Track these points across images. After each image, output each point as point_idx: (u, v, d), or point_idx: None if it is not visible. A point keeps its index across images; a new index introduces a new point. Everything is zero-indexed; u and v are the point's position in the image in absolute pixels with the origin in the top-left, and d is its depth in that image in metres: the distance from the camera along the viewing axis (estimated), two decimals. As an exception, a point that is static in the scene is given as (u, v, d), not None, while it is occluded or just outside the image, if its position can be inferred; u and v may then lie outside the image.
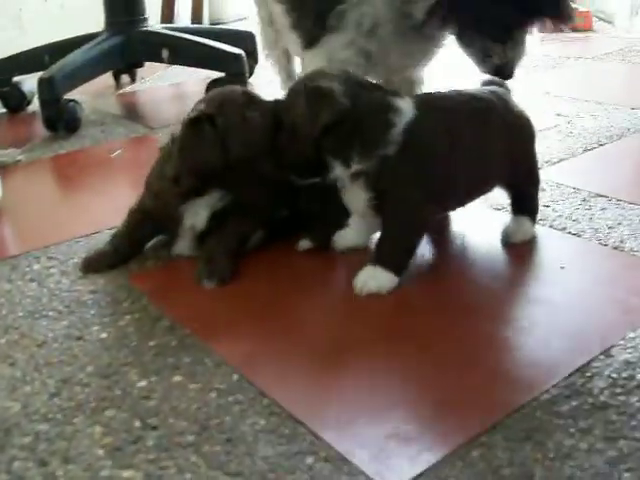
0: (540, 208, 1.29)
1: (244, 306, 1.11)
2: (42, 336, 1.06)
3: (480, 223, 1.31)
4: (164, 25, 2.62)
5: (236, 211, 1.20)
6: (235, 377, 0.94)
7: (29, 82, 2.29)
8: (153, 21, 2.44)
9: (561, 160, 1.60)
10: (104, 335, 1.06)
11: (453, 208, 1.24)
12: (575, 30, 2.83)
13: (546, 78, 2.30)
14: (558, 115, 1.91)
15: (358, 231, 1.23)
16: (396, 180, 1.10)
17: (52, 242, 1.35)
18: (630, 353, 0.94)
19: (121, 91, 2.58)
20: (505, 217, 1.28)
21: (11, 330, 1.08)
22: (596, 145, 1.68)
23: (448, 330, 1.02)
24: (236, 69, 2.11)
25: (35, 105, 2.16)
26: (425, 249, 1.23)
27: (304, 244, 1.24)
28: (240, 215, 1.20)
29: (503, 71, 1.32)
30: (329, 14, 1.35)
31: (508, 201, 1.27)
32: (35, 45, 2.39)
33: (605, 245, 1.21)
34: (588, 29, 2.96)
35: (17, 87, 2.34)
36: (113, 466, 0.81)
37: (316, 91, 1.11)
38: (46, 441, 0.85)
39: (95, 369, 0.98)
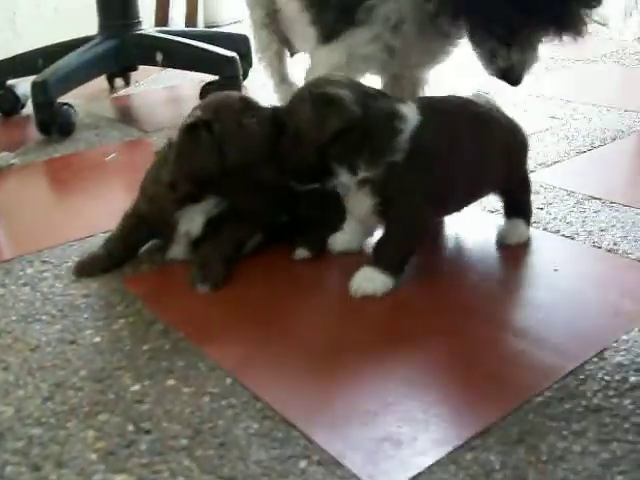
0: (534, 211, 1.29)
1: (238, 310, 1.11)
2: (35, 340, 1.06)
3: (474, 226, 1.31)
4: (158, 28, 2.61)
5: (232, 217, 1.20)
6: (228, 381, 0.94)
7: (23, 85, 2.29)
8: (147, 24, 2.43)
9: (555, 162, 1.60)
10: (97, 339, 1.05)
11: (451, 212, 1.25)
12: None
13: (540, 80, 2.31)
14: (552, 117, 1.91)
15: (353, 235, 1.23)
16: (403, 186, 1.10)
17: (46, 246, 1.35)
18: (623, 356, 0.94)
19: (115, 94, 2.57)
20: (499, 220, 1.28)
21: (4, 334, 1.08)
22: (590, 147, 1.68)
23: (442, 333, 1.02)
24: (230, 72, 2.10)
25: (29, 108, 2.15)
26: (421, 252, 1.22)
27: (301, 253, 1.23)
28: (236, 221, 1.20)
29: (509, 76, 1.30)
30: (357, 8, 1.34)
31: (501, 204, 1.27)
32: (29, 48, 2.39)
33: (599, 247, 1.22)
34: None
35: (11, 90, 2.33)
36: (106, 470, 0.81)
37: (325, 97, 1.10)
38: (39, 445, 0.85)
39: (88, 373, 0.98)
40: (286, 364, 0.97)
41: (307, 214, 1.26)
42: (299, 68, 1.83)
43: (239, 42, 2.43)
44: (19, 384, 0.96)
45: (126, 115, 2.35)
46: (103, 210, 1.50)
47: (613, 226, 1.28)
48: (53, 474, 0.81)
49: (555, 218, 1.33)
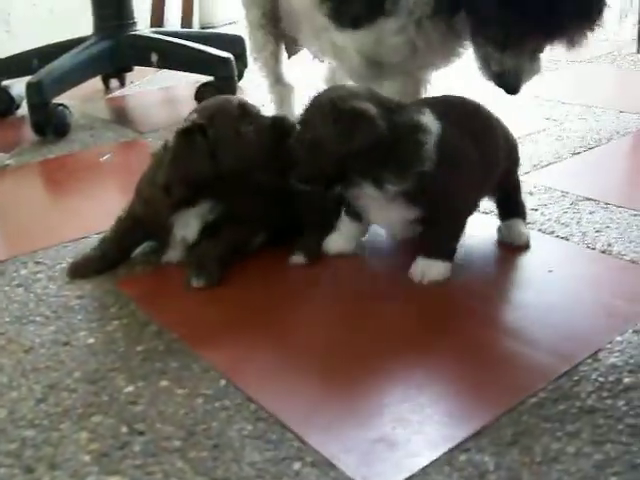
0: (529, 212, 1.29)
1: (232, 312, 1.11)
2: (29, 341, 1.06)
3: (467, 227, 1.31)
4: (153, 29, 2.61)
5: (229, 222, 1.20)
6: (222, 382, 0.94)
7: (18, 86, 2.29)
8: (142, 25, 2.43)
9: (550, 164, 1.60)
10: (91, 340, 1.05)
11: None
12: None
13: (535, 81, 2.30)
14: (547, 119, 1.91)
15: (348, 236, 1.23)
16: (442, 192, 1.11)
17: (40, 247, 1.35)
18: (617, 357, 0.94)
19: (110, 95, 2.57)
20: (492, 221, 1.28)
21: (-2, 336, 1.08)
22: (585, 149, 1.68)
23: (437, 334, 1.02)
24: (225, 73, 2.10)
25: (24, 109, 2.15)
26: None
27: (296, 259, 1.23)
28: (234, 224, 1.20)
29: (504, 82, 1.29)
30: None
31: (496, 206, 1.27)
32: (24, 49, 2.39)
33: (593, 249, 1.22)
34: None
35: (6, 91, 2.33)
36: (100, 472, 0.81)
37: (354, 112, 1.08)
38: (32, 447, 0.85)
39: (82, 375, 0.98)
40: (280, 366, 0.97)
41: (304, 218, 1.25)
42: (295, 69, 1.84)
43: (234, 43, 2.43)
44: (12, 386, 0.96)
45: (121, 116, 2.35)
46: (98, 211, 1.50)
47: (607, 227, 1.28)
48: (46, 476, 0.81)
49: (550, 219, 1.33)
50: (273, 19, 1.77)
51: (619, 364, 0.92)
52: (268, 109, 1.76)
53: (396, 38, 1.36)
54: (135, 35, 2.31)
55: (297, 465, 0.79)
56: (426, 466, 0.78)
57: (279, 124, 1.19)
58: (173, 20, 3.47)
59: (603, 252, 1.20)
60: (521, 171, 1.32)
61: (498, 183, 1.22)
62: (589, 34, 1.24)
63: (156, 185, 1.19)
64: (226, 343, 1.03)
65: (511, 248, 1.23)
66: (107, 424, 0.88)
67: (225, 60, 2.12)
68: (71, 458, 0.83)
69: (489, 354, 0.97)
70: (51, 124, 2.03)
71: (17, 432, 0.88)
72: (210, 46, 2.19)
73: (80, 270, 1.23)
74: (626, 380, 0.89)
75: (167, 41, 2.27)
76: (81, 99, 2.42)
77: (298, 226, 1.25)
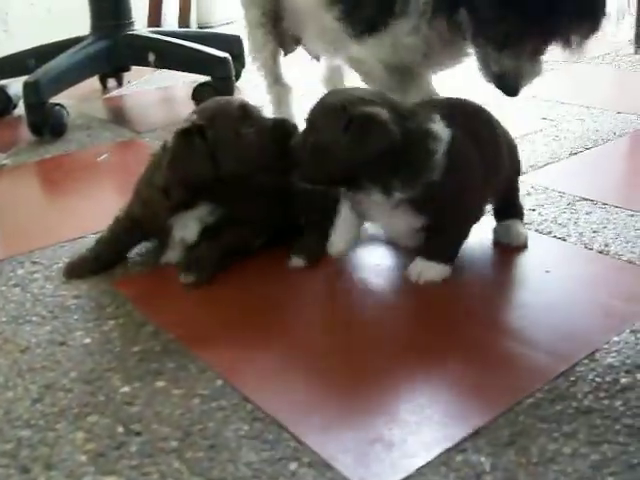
0: (526, 212, 1.29)
1: (229, 312, 1.11)
2: (25, 341, 1.06)
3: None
4: (151, 29, 2.61)
5: (228, 225, 1.19)
6: (219, 383, 0.94)
7: (15, 86, 2.28)
8: (140, 25, 2.43)
9: (547, 164, 1.60)
10: (88, 340, 1.05)
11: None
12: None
13: (533, 82, 2.30)
14: (544, 119, 1.91)
15: (347, 237, 1.20)
16: (451, 197, 1.10)
17: (36, 247, 1.34)
18: (614, 357, 0.94)
19: (107, 95, 2.57)
20: (488, 222, 1.28)
21: (-6, 335, 1.08)
22: (582, 149, 1.68)
23: (434, 334, 1.02)
24: (222, 73, 2.10)
25: (21, 109, 2.15)
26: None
27: (296, 262, 1.22)
28: (234, 227, 1.20)
29: (505, 84, 1.27)
30: None
31: (494, 207, 1.27)
32: (22, 49, 2.38)
33: (590, 249, 1.21)
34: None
35: (3, 91, 2.33)
36: (96, 472, 0.81)
37: (366, 118, 1.06)
38: (28, 447, 0.85)
39: (78, 375, 0.97)
40: (277, 366, 0.97)
41: (304, 219, 1.25)
42: (293, 69, 1.84)
43: (232, 43, 2.43)
44: (8, 386, 0.96)
45: (118, 116, 2.35)
46: (95, 211, 1.50)
47: (605, 227, 1.28)
48: (42, 476, 0.80)
49: (547, 219, 1.33)
50: (273, 19, 1.77)
51: (616, 364, 0.92)
52: (266, 109, 1.76)
53: (410, 39, 1.35)
54: (132, 35, 2.31)
55: (294, 465, 0.79)
56: (422, 466, 0.78)
57: (280, 126, 1.18)
58: (171, 20, 3.47)
59: (600, 252, 1.20)
60: (518, 171, 1.32)
61: (500, 189, 1.21)
62: (590, 35, 1.23)
63: (155, 187, 1.19)
64: (223, 343, 1.03)
65: (508, 248, 1.23)
66: (103, 424, 0.88)
67: (222, 60, 2.11)
68: (67, 458, 0.83)
69: (486, 354, 0.96)
70: (48, 124, 2.03)
71: (13, 432, 0.87)
72: (208, 46, 2.18)
73: (76, 270, 1.23)
74: (623, 380, 0.89)
75: (164, 41, 2.27)
76: (78, 99, 2.42)
77: (298, 226, 1.25)
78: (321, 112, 1.12)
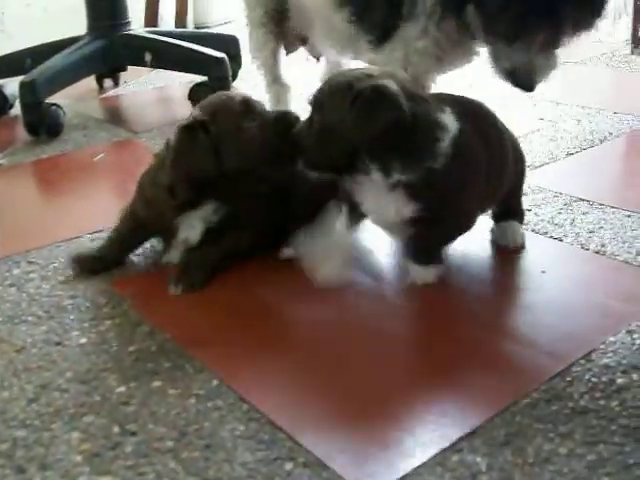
0: (522, 212, 1.29)
1: (225, 312, 1.11)
2: (21, 341, 1.05)
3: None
4: (147, 29, 2.61)
5: (231, 225, 1.19)
6: (215, 383, 0.94)
7: (11, 85, 2.28)
8: (136, 25, 2.43)
9: (543, 164, 1.60)
10: (84, 340, 1.05)
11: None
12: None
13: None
14: (541, 119, 1.91)
15: (338, 262, 1.17)
16: (447, 193, 1.07)
17: (33, 247, 1.34)
18: (610, 357, 0.94)
19: (104, 95, 2.57)
20: (486, 222, 1.28)
21: (-10, 335, 1.08)
22: (579, 149, 1.68)
23: (430, 334, 1.02)
24: (219, 73, 2.10)
25: (17, 109, 2.14)
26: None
27: (287, 252, 1.23)
28: (236, 229, 1.19)
29: (518, 80, 1.26)
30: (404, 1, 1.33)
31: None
32: (18, 49, 2.38)
33: (587, 249, 1.21)
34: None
35: (-1, 90, 2.33)
36: (91, 472, 0.80)
37: (374, 90, 1.02)
38: (24, 447, 0.85)
39: (74, 375, 0.97)
40: (272, 366, 0.97)
41: (298, 215, 1.25)
42: (292, 69, 1.84)
43: (229, 43, 2.43)
44: (4, 385, 0.96)
45: (115, 116, 2.34)
46: (91, 211, 1.50)
47: (601, 228, 1.28)
48: (37, 476, 0.80)
49: (543, 220, 1.33)
50: (275, 18, 1.77)
51: (612, 365, 0.92)
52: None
53: (421, 42, 1.35)
54: (129, 35, 2.31)
55: (289, 465, 0.79)
56: (418, 466, 0.78)
57: (282, 118, 1.17)
58: (167, 20, 3.46)
59: (597, 253, 1.20)
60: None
61: (502, 194, 1.21)
62: (595, 24, 1.22)
63: (159, 186, 1.19)
64: (219, 344, 1.03)
65: (505, 249, 1.23)
66: (99, 424, 0.88)
67: (219, 60, 2.11)
68: (62, 458, 0.83)
69: (482, 354, 0.96)
70: (44, 124, 2.03)
71: (8, 432, 0.87)
72: (204, 46, 2.18)
73: (83, 268, 1.23)
74: (619, 381, 0.89)
75: (161, 41, 2.27)
76: (74, 99, 2.42)
77: (290, 222, 1.24)
78: (327, 92, 1.09)
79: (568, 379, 0.90)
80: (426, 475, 0.77)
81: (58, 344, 1.04)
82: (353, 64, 1.68)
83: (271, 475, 0.78)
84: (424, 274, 1.13)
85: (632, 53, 2.61)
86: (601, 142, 1.72)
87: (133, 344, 1.03)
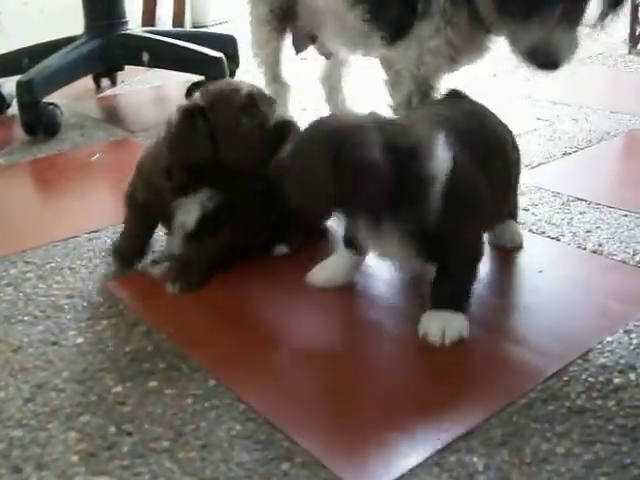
0: (519, 212, 1.29)
1: (221, 312, 1.11)
2: (17, 341, 1.05)
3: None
4: (144, 28, 2.60)
5: (227, 213, 1.18)
6: (211, 382, 0.93)
7: (8, 85, 2.28)
8: (134, 24, 2.43)
9: (541, 164, 1.60)
10: (80, 340, 1.05)
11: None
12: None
13: (527, 81, 2.31)
14: (538, 119, 1.91)
15: (335, 269, 1.15)
16: (450, 230, 0.99)
17: (29, 246, 1.34)
18: (607, 357, 0.94)
19: (101, 94, 2.56)
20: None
21: (-14, 335, 1.07)
22: (576, 149, 1.68)
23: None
24: (216, 72, 2.10)
25: (14, 108, 2.14)
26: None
27: (280, 249, 1.23)
28: (232, 220, 1.19)
29: (540, 59, 1.19)
30: None
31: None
32: (14, 48, 2.38)
33: (584, 249, 1.21)
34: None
35: (-4, 90, 2.32)
36: (87, 472, 0.80)
37: (359, 165, 0.93)
38: (20, 447, 0.85)
39: (70, 374, 0.97)
40: (269, 366, 0.97)
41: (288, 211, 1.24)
42: (291, 67, 1.83)
43: (226, 42, 2.42)
44: (0, 385, 0.96)
45: (112, 115, 2.34)
46: (88, 210, 1.49)
47: (598, 227, 1.28)
48: (34, 476, 0.80)
49: (540, 219, 1.33)
50: (279, 16, 1.77)
51: (609, 364, 0.92)
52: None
53: (434, 41, 1.34)
54: (126, 34, 2.30)
55: (286, 465, 0.79)
56: (415, 467, 0.78)
57: (281, 127, 1.15)
58: (165, 19, 3.46)
59: (594, 252, 1.20)
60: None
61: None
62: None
63: (157, 167, 1.18)
64: (215, 343, 1.03)
65: (502, 248, 1.23)
66: (95, 424, 0.87)
67: (216, 60, 2.11)
68: (59, 458, 0.82)
69: (479, 354, 0.96)
70: (41, 123, 2.02)
71: (5, 432, 0.87)
72: (202, 46, 2.18)
73: (123, 263, 1.24)
74: (616, 380, 0.89)
75: (158, 40, 2.26)
76: (72, 98, 2.41)
77: (282, 219, 1.24)
78: (309, 144, 0.98)
79: (565, 379, 0.90)
80: (423, 475, 0.77)
81: (54, 344, 1.04)
82: (363, 61, 1.68)
83: (268, 475, 0.78)
84: (454, 327, 1.00)
85: (629, 53, 2.62)
86: (598, 142, 1.72)
87: (129, 344, 1.03)
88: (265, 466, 0.79)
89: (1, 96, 2.31)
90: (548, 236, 1.26)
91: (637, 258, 1.17)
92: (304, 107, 2.04)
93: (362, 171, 0.94)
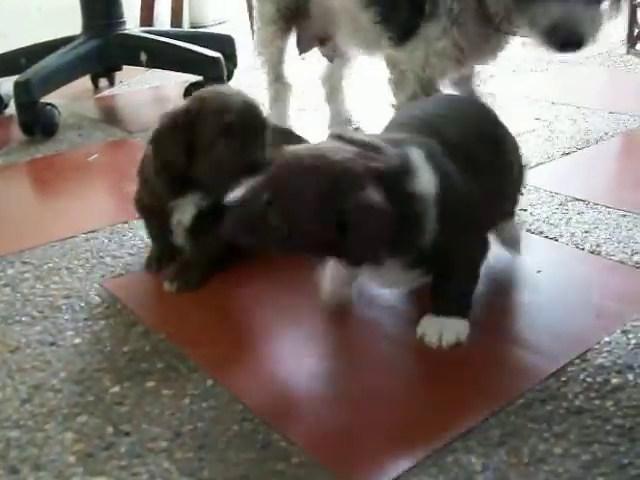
0: (517, 212, 1.28)
1: (219, 312, 1.10)
2: (15, 342, 1.05)
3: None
4: (143, 28, 2.60)
5: (222, 210, 1.17)
6: (209, 383, 0.93)
7: (6, 85, 2.28)
8: (132, 24, 2.43)
9: (539, 164, 1.60)
10: (78, 340, 1.05)
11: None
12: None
13: (525, 82, 2.31)
14: (537, 119, 1.91)
15: (339, 284, 1.10)
16: (447, 247, 0.95)
17: (27, 247, 1.34)
18: (605, 357, 0.94)
19: (99, 95, 2.56)
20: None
21: (-17, 336, 1.07)
22: (574, 149, 1.68)
23: (424, 334, 1.02)
24: (214, 73, 2.10)
25: (12, 108, 2.14)
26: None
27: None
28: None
29: (561, 37, 1.16)
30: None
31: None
32: (12, 48, 2.38)
33: (582, 249, 1.21)
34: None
35: (-6, 90, 2.32)
36: (85, 473, 0.80)
37: (364, 209, 0.85)
38: (17, 448, 0.84)
39: (68, 375, 0.97)
40: (267, 367, 0.97)
41: None
42: (291, 67, 1.83)
43: (224, 43, 2.42)
44: (-3, 386, 0.96)
45: (110, 115, 2.34)
46: (86, 211, 1.49)
47: (596, 228, 1.28)
48: (31, 477, 0.80)
49: (538, 219, 1.33)
50: (286, 16, 1.77)
51: (607, 364, 0.92)
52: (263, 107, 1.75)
53: (441, 43, 1.35)
54: (124, 34, 2.30)
55: (283, 466, 0.79)
56: (413, 467, 0.78)
57: (250, 165, 1.07)
58: (163, 19, 3.46)
59: (592, 252, 1.20)
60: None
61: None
62: None
63: (151, 170, 1.18)
64: (213, 343, 1.02)
65: (500, 248, 1.23)
66: (93, 425, 0.87)
67: (214, 60, 2.11)
68: (56, 459, 0.82)
69: (477, 354, 0.96)
70: (39, 123, 2.02)
71: (2, 433, 0.87)
72: (200, 46, 2.18)
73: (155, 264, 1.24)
74: (614, 381, 0.89)
75: (156, 40, 2.26)
76: (70, 98, 2.41)
77: None
78: (297, 183, 0.88)
79: (563, 379, 0.90)
80: (421, 475, 0.77)
81: (52, 344, 1.04)
82: (364, 61, 1.68)
83: (265, 475, 0.78)
84: (454, 330, 0.99)
85: (628, 53, 2.62)
86: (597, 142, 1.72)
87: (127, 344, 1.03)
88: (262, 466, 0.79)
89: (-1, 96, 2.32)
90: (546, 236, 1.26)
91: (635, 258, 1.17)
92: (304, 107, 2.04)
93: (372, 217, 0.86)
